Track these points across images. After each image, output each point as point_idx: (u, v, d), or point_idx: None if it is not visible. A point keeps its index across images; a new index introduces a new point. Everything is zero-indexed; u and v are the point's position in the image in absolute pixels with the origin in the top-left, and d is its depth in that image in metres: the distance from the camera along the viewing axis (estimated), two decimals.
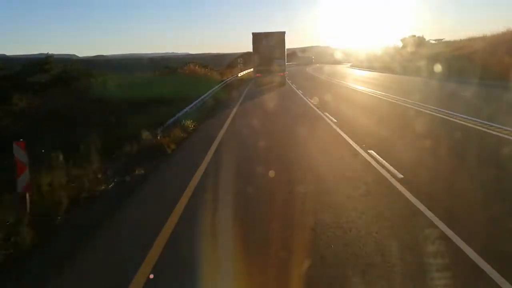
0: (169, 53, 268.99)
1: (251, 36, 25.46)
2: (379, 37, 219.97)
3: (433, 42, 77.68)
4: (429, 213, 4.99)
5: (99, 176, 6.65)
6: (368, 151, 8.32)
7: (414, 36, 76.41)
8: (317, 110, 15.42)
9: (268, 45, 24.98)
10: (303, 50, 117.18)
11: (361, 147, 8.75)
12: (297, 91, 24.03)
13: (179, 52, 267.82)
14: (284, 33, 25.91)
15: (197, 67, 32.24)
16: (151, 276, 3.66)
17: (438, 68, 28.25)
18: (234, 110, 16.66)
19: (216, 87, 23.07)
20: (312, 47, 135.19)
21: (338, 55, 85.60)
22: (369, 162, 7.55)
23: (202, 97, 17.83)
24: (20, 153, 5.04)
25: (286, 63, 28.34)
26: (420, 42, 73.36)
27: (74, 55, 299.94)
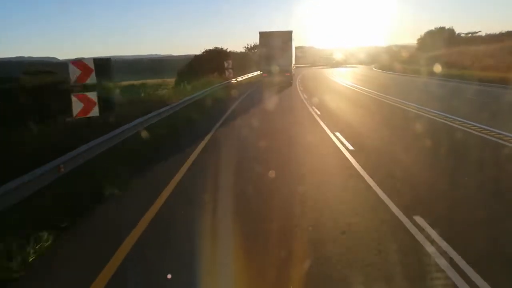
0: (152, 54, 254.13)
1: (257, 35, 25.23)
2: (378, 35, 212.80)
3: (463, 35, 68.63)
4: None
5: None
6: None
7: (443, 28, 66.24)
8: None
9: (274, 44, 24.59)
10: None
11: None
12: None
13: (162, 53, 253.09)
14: (291, 32, 25.42)
15: None
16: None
17: None
18: None
19: None
20: (297, 48, 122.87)
21: (335, 56, 72.84)
22: None
23: None
24: None
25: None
26: (449, 36, 64.04)
27: (55, 58, 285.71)
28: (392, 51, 72.80)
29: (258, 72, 30.89)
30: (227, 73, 22.43)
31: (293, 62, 27.79)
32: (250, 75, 29.60)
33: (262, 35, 24.94)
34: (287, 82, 25.37)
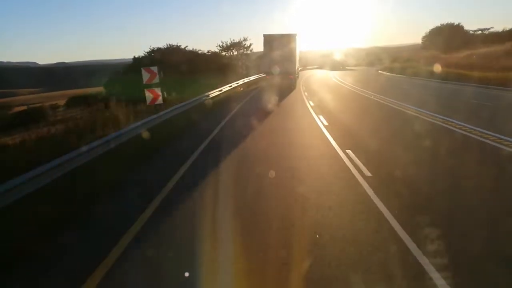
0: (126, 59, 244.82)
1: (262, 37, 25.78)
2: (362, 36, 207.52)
3: (472, 32, 61.62)
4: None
5: None
6: None
7: (451, 25, 59.18)
8: None
9: (278, 47, 24.61)
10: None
11: None
12: None
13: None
14: (295, 35, 25.64)
15: None
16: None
17: None
18: None
19: None
20: None
21: (335, 57, 67.00)
22: None
23: None
24: None
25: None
26: (459, 33, 57.05)
27: (34, 62, 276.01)
28: (391, 51, 67.76)
29: (240, 82, 23.69)
30: (148, 97, 10.09)
31: (297, 65, 27.69)
32: (217, 92, 17.18)
33: (266, 37, 25.29)
34: (290, 85, 25.14)
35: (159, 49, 24.79)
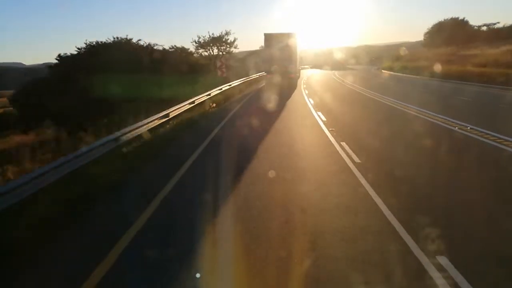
0: None
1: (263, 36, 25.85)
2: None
3: (477, 28, 57.50)
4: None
5: None
6: None
7: (455, 19, 55.14)
8: None
9: (278, 46, 25.14)
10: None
11: None
12: None
13: None
14: (295, 34, 26.09)
15: None
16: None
17: None
18: None
19: None
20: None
21: (336, 56, 65.01)
22: None
23: None
24: None
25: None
26: (461, 27, 52.98)
27: (20, 63, 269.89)
28: (389, 50, 66.35)
29: (214, 93, 18.43)
30: None
31: (298, 64, 27.97)
32: (156, 120, 10.01)
33: (267, 36, 25.57)
34: (291, 85, 25.77)
35: (100, 44, 19.62)
